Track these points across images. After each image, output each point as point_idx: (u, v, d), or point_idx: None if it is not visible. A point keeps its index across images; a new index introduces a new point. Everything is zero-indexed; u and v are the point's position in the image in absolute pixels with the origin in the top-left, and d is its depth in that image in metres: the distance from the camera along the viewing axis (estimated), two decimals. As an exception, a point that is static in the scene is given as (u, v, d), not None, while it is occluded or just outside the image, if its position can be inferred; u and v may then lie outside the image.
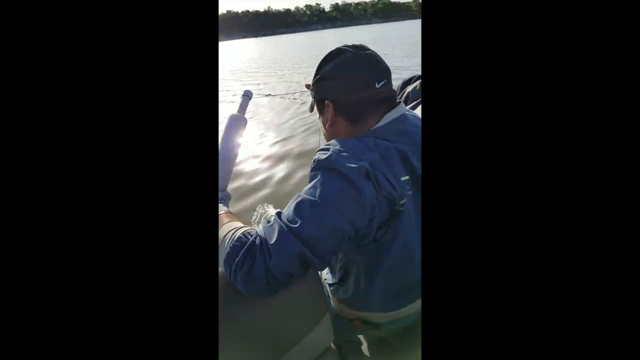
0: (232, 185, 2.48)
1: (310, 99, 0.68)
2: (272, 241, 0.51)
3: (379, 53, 0.62)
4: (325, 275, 0.79)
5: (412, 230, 0.57)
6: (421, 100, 1.03)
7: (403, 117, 0.59)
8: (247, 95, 0.83)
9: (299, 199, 0.53)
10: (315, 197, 0.51)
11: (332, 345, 0.69)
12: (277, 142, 3.41)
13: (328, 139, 0.65)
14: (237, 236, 0.55)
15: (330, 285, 0.74)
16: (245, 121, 0.79)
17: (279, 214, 0.55)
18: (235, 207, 2.19)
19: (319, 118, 0.66)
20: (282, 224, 0.52)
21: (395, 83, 1.20)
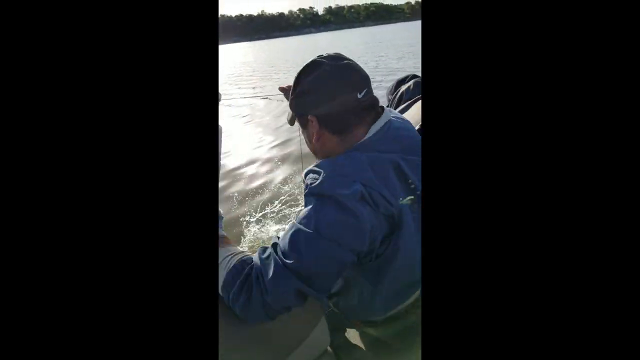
0: (232, 190, 2.47)
1: (288, 111, 0.67)
2: (269, 277, 0.50)
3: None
4: None
5: (412, 236, 0.56)
6: (416, 99, 1.02)
7: (389, 124, 0.59)
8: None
9: (294, 230, 0.51)
10: (310, 229, 0.50)
11: (329, 348, 0.69)
12: (275, 145, 3.40)
13: (316, 152, 0.64)
14: (232, 264, 0.55)
15: (330, 296, 0.72)
16: (220, 129, 0.77)
17: (274, 246, 0.54)
18: (237, 212, 2.16)
19: (302, 132, 0.65)
20: (278, 259, 0.51)
21: (390, 84, 1.20)
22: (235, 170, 2.84)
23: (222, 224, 0.71)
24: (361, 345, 0.78)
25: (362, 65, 0.61)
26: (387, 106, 1.18)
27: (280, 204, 2.17)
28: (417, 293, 0.70)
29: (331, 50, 0.63)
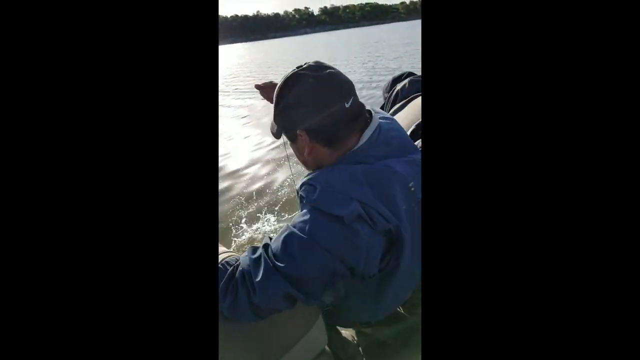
0: (232, 193, 2.46)
1: (271, 122, 0.64)
2: (258, 278, 0.50)
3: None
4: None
5: (413, 245, 0.56)
6: (411, 98, 1.02)
7: (379, 128, 0.58)
8: None
9: (288, 233, 0.51)
10: (304, 234, 0.49)
11: (326, 347, 0.69)
12: (275, 147, 3.40)
13: (307, 164, 0.63)
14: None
15: (328, 305, 0.71)
16: None
17: (266, 247, 0.53)
18: (237, 212, 2.16)
19: (290, 145, 0.63)
20: (269, 261, 0.50)
21: (385, 82, 1.20)
22: (234, 172, 2.83)
23: None
24: (359, 344, 0.78)
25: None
26: (384, 104, 1.21)
27: (279, 206, 2.17)
28: (412, 290, 0.70)
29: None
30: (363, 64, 8.41)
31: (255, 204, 2.25)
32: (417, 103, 1.00)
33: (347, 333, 0.79)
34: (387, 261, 0.55)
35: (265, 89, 0.90)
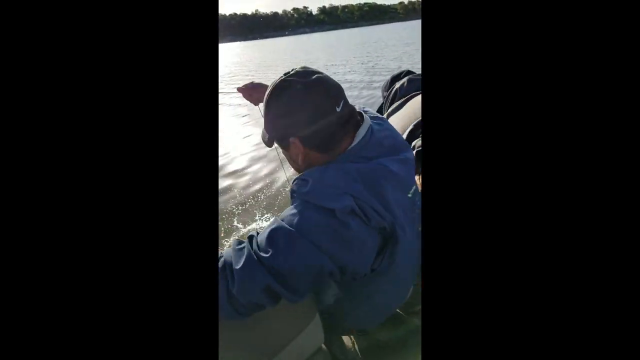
0: (231, 191, 2.45)
1: (261, 131, 0.63)
2: (238, 266, 0.48)
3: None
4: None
5: (409, 243, 0.55)
6: (410, 97, 1.03)
7: (371, 129, 0.57)
8: None
9: (275, 226, 0.49)
10: (292, 227, 0.48)
11: (323, 345, 0.69)
12: (275, 146, 3.37)
13: (301, 171, 0.61)
14: None
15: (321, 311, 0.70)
16: None
17: (250, 238, 0.52)
18: (235, 213, 2.16)
19: (282, 152, 0.63)
20: (252, 251, 0.49)
21: (384, 81, 1.21)
22: (234, 172, 2.82)
23: None
24: (358, 346, 0.78)
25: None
26: (383, 103, 1.21)
27: (278, 207, 2.16)
28: (407, 295, 0.70)
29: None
30: (362, 64, 8.46)
31: (255, 204, 2.24)
32: (415, 102, 1.01)
33: (345, 335, 0.79)
34: (381, 260, 0.53)
35: (246, 91, 0.90)
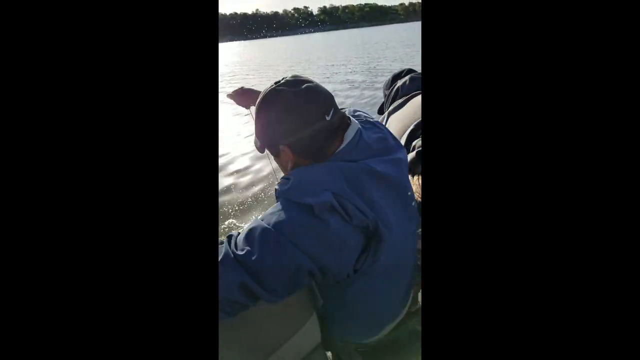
0: (232, 192, 2.45)
1: (253, 137, 0.64)
2: None
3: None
4: None
5: (398, 243, 0.55)
6: (411, 96, 1.04)
7: (359, 133, 0.57)
8: None
9: (253, 225, 0.50)
10: (269, 225, 0.48)
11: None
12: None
13: None
14: None
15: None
16: None
17: (229, 237, 0.52)
18: (243, 220, 2.17)
19: (274, 158, 0.64)
20: (229, 249, 0.49)
21: (386, 79, 1.21)
22: (235, 172, 2.81)
23: None
24: (357, 347, 0.76)
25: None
26: (384, 102, 1.22)
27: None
28: (407, 304, 0.69)
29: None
30: (364, 64, 8.45)
31: (256, 204, 2.24)
32: (417, 101, 1.01)
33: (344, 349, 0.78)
34: (364, 260, 0.52)
35: (235, 97, 0.91)
